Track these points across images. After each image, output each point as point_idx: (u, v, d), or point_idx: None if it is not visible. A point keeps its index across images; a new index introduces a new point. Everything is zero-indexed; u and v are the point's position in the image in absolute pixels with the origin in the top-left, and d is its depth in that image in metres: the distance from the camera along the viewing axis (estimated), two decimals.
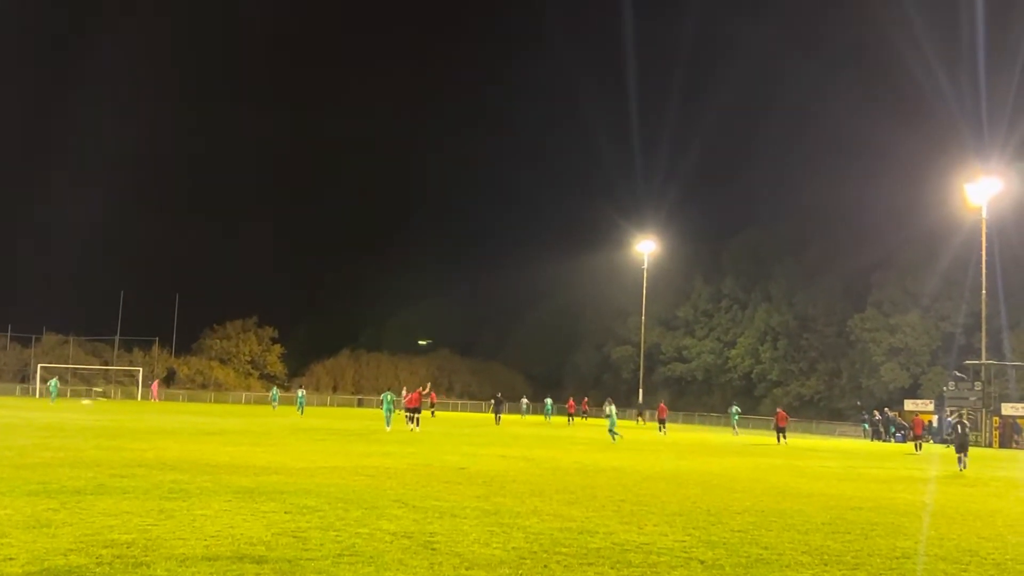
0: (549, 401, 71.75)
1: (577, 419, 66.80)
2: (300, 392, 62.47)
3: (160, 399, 76.26)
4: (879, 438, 58.00)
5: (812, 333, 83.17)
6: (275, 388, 73.96)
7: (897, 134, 76.07)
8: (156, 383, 78.28)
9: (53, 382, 62.65)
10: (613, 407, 42.82)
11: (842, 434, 66.15)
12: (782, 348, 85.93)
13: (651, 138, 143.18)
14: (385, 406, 40.72)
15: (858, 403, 72.31)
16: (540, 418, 70.30)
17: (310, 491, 14.58)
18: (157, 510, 11.85)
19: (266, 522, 11.23)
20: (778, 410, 49.55)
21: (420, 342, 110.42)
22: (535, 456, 25.77)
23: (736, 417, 58.21)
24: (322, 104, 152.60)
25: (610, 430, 39.72)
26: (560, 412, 75.00)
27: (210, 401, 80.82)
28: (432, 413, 44.86)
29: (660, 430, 53.94)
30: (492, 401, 58.73)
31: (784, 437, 45.96)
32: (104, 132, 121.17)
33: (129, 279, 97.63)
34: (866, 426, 61.29)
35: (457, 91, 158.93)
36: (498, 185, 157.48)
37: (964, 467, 28.60)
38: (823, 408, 78.75)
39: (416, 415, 39.18)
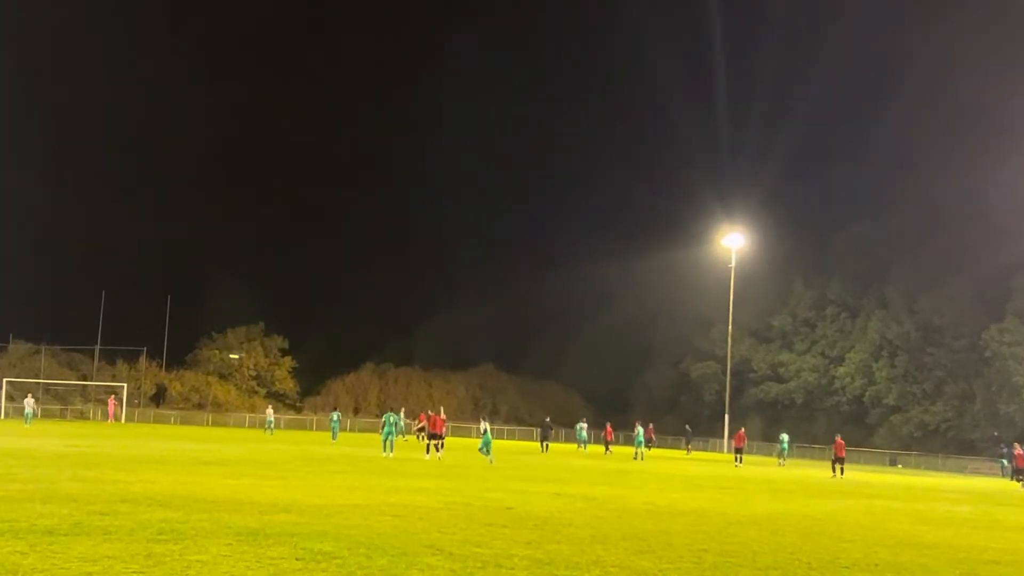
0: (582, 426, 71.76)
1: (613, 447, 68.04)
2: (335, 415, 63.73)
3: (118, 420, 76.64)
4: (1021, 477, 57.21)
5: (938, 347, 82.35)
6: (270, 408, 74.63)
7: None
8: (113, 399, 78.20)
9: (29, 401, 63.98)
10: (487, 424, 44.37)
11: (975, 471, 65.41)
12: (901, 366, 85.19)
13: (742, 108, 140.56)
14: (387, 429, 42.42)
15: (995, 433, 71.43)
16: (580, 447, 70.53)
17: (326, 534, 14.64)
18: (144, 555, 11.95)
19: (274, 570, 11.30)
20: (836, 438, 51.65)
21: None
22: (597, 494, 25.71)
23: (785, 446, 61.30)
24: (342, 83, 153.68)
25: (480, 449, 41.39)
26: (598, 440, 76.08)
27: (207, 424, 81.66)
28: (419, 437, 47.09)
29: (736, 462, 55.87)
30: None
31: (842, 471, 48.00)
32: (82, 107, 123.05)
33: (112, 278, 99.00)
34: (1004, 462, 60.49)
35: (491, 53, 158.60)
36: (551, 168, 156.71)
37: None
38: (951, 439, 77.98)
39: (440, 441, 41.82)
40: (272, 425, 69.98)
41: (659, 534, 17.17)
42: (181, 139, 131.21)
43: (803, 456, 76.42)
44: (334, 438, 58.73)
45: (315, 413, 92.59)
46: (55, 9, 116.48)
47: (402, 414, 66.76)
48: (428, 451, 41.56)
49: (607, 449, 64.74)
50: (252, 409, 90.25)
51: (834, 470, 48.34)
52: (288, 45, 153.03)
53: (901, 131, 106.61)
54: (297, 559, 12.16)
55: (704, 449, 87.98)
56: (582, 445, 67.85)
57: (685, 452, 74.64)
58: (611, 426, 69.26)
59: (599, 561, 13.37)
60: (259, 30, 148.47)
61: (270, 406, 77.05)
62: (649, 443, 74.02)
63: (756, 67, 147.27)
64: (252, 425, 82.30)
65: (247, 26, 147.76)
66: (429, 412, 44.89)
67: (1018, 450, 50.69)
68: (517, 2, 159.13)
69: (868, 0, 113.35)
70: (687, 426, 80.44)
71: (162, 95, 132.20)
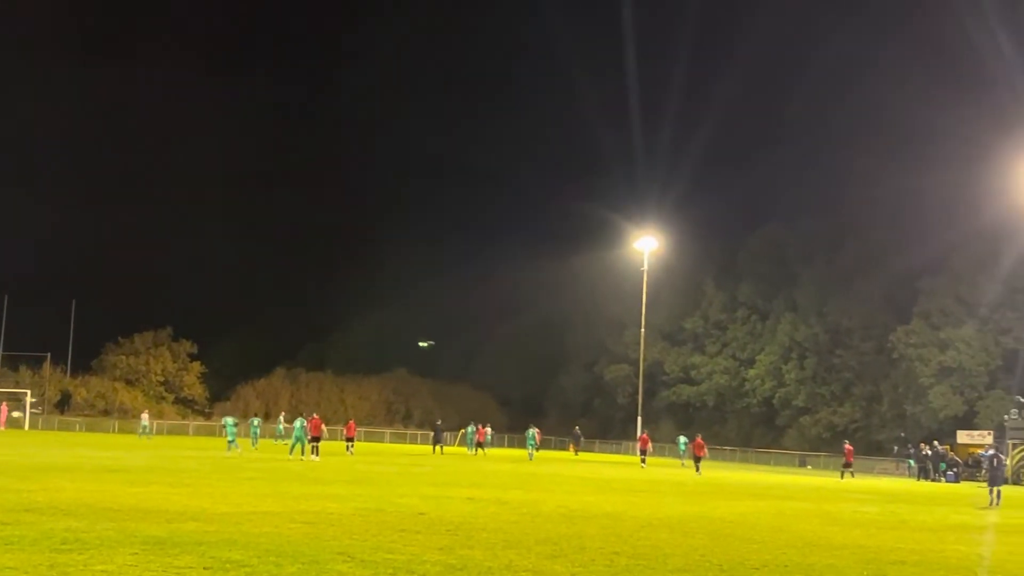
0: (471, 429, 72.23)
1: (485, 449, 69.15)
2: (255, 420, 63.14)
3: (21, 427, 75.19)
4: (927, 477, 58.32)
5: (846, 350, 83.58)
6: (145, 413, 73.48)
7: (950, 111, 76.29)
8: (4, 406, 75.77)
9: None
10: (229, 419, 49.93)
11: (882, 472, 66.48)
12: (810, 368, 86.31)
13: (653, 112, 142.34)
14: (296, 434, 45.33)
15: (901, 435, 72.67)
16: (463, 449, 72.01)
17: (235, 542, 14.52)
18: (47, 565, 11.77)
19: None
20: (697, 437, 56.02)
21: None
22: (510, 498, 25.77)
23: (683, 448, 64.66)
24: (261, 83, 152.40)
25: (230, 442, 46.29)
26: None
27: (113, 431, 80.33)
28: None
29: (641, 464, 58.32)
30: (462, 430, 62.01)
31: (699, 469, 51.42)
32: None
33: (15, 281, 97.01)
34: (911, 462, 61.62)
35: (409, 58, 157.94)
36: (466, 172, 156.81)
37: (997, 504, 32.37)
38: (860, 440, 79.06)
39: (316, 444, 44.48)
40: (147, 430, 69.00)
41: (572, 537, 17.26)
42: (85, 140, 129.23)
43: (714, 458, 77.02)
44: (254, 444, 58.21)
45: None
46: None
47: (281, 418, 71.52)
48: (312, 452, 43.79)
49: (480, 449, 66.31)
50: (160, 415, 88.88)
51: (696, 467, 51.79)
52: (212, 44, 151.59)
53: (811, 136, 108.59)
54: (205, 568, 12.05)
55: (618, 452, 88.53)
56: (471, 448, 68.25)
57: (573, 453, 75.66)
58: (482, 427, 69.87)
59: (512, 566, 13.42)
60: (192, 30, 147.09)
61: (146, 411, 75.93)
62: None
63: (669, 71, 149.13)
64: (160, 432, 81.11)
65: (178, 27, 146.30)
66: (314, 415, 46.61)
67: (847, 446, 56.39)
68: (435, 7, 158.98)
69: (780, 6, 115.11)
70: (576, 428, 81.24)
71: (75, 94, 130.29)
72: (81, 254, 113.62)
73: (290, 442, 46.91)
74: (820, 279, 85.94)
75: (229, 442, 46.21)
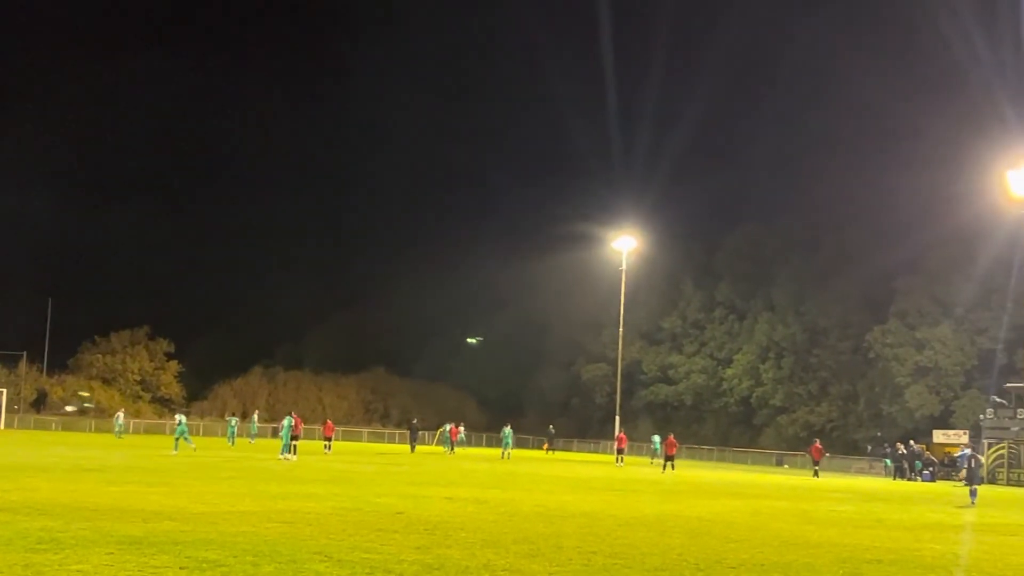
0: (449, 427, 72.44)
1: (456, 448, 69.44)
2: (233, 419, 63.53)
3: None
4: (903, 476, 58.54)
5: (823, 349, 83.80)
6: (120, 412, 73.35)
7: (927, 111, 76.97)
8: None
9: None
10: (182, 417, 49.83)
11: (859, 471, 66.73)
12: (787, 367, 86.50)
13: (631, 111, 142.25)
14: (284, 432, 45.08)
15: (878, 434, 72.90)
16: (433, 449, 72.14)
17: (212, 541, 14.46)
18: (22, 564, 11.70)
19: None
20: (669, 436, 57.41)
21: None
22: (489, 498, 25.75)
23: (657, 447, 65.91)
24: (231, 71, 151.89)
25: (184, 437, 46.28)
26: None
27: (90, 430, 79.91)
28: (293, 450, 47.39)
29: (617, 463, 59.33)
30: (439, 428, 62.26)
31: (672, 467, 52.73)
32: None
33: None
34: (888, 462, 61.86)
35: (387, 60, 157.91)
36: (442, 169, 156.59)
37: (973, 503, 32.97)
38: (836, 440, 79.38)
39: (294, 443, 44.63)
40: (121, 429, 68.84)
41: (549, 537, 17.25)
42: (61, 135, 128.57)
43: (692, 457, 77.32)
44: (231, 443, 58.37)
45: (202, 418, 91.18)
46: None
47: (255, 417, 71.34)
48: (291, 451, 43.79)
49: (451, 448, 66.50)
50: (138, 414, 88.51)
51: (664, 467, 52.74)
52: (183, 40, 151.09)
53: (788, 136, 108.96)
54: (182, 568, 11.99)
55: (596, 451, 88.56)
56: (448, 448, 68.37)
57: (545, 452, 76.04)
58: (455, 427, 69.98)
59: (489, 565, 13.40)
60: (163, 25, 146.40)
61: (122, 409, 75.75)
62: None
63: (647, 70, 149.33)
64: (137, 431, 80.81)
65: (151, 20, 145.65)
66: (292, 414, 46.46)
67: (817, 444, 57.02)
68: (413, 10, 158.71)
69: (756, 6, 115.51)
70: (550, 427, 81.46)
71: (64, 93, 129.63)
72: (58, 252, 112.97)
73: (281, 441, 46.58)
74: (797, 278, 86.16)
75: (176, 439, 46.23)
